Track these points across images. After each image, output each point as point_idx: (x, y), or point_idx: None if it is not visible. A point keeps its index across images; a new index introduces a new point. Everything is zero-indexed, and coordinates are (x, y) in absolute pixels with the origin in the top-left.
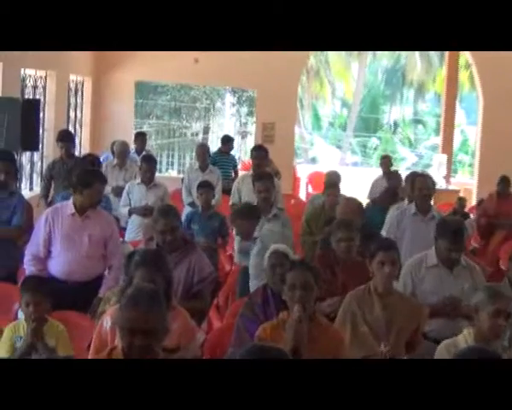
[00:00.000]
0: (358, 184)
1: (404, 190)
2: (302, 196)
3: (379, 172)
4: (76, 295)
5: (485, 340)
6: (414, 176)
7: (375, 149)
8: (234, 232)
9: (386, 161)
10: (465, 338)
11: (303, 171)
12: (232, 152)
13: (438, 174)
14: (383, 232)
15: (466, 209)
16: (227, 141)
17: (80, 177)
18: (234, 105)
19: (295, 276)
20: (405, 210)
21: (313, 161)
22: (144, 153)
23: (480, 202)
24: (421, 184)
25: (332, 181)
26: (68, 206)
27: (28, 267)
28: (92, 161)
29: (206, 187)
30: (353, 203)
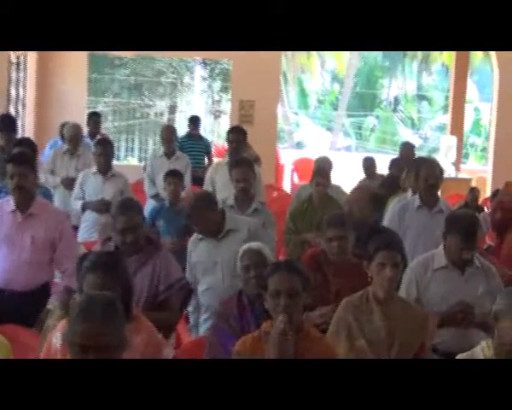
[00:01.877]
0: (352, 172)
1: (407, 179)
2: (286, 186)
3: (377, 158)
4: (17, 307)
5: (509, 353)
6: (418, 162)
7: (372, 130)
8: None
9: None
10: (483, 352)
11: (287, 157)
12: (204, 135)
13: (446, 160)
14: None
15: (479, 201)
16: (196, 122)
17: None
18: (205, 79)
19: (279, 281)
20: (408, 203)
21: (299, 145)
22: (99, 136)
23: (495, 193)
24: (426, 173)
25: (321, 169)
26: (9, 202)
27: None
28: (29, 144)
29: (173, 177)
30: (367, 193)
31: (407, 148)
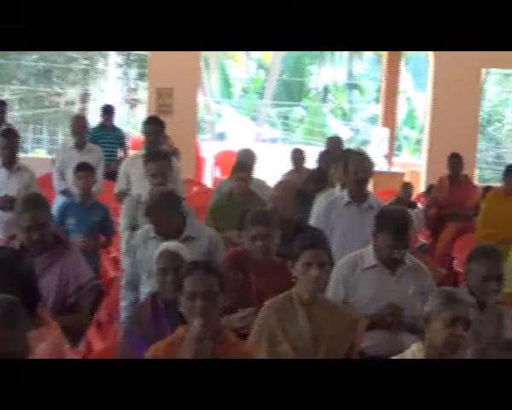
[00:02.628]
0: (278, 165)
1: (335, 173)
2: (207, 181)
3: (306, 150)
4: None
5: (440, 355)
6: (347, 155)
7: (300, 121)
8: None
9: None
10: (414, 355)
11: (209, 150)
12: (118, 125)
13: (377, 153)
14: None
15: (412, 197)
16: (110, 111)
17: None
18: (120, 66)
19: (195, 282)
20: (336, 199)
21: (222, 136)
22: (4, 127)
23: (429, 189)
24: (355, 166)
25: (242, 163)
26: None
27: None
28: None
29: (84, 170)
30: (293, 188)
31: (334, 141)
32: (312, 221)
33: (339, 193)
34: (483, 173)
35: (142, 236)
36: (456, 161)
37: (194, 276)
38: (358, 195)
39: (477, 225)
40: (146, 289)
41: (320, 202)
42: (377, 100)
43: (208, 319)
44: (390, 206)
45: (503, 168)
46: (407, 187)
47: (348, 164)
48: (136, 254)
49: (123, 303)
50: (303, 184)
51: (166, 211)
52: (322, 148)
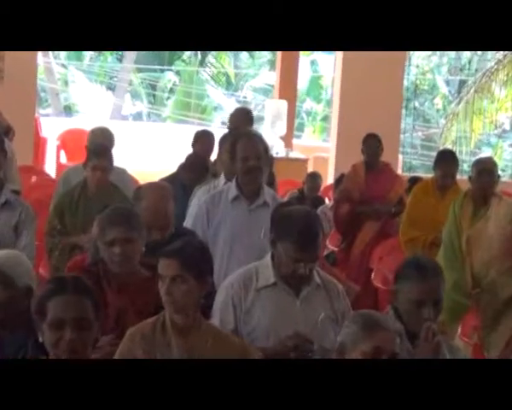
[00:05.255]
0: (145, 150)
1: (219, 160)
2: (50, 169)
3: (176, 129)
4: None
5: None
6: (234, 137)
7: (171, 91)
8: None
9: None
10: None
11: (52, 128)
12: None
13: (272, 133)
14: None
15: (319, 191)
16: None
17: None
18: None
19: (63, 306)
20: (220, 193)
21: (69, 111)
22: None
23: (340, 179)
24: (244, 151)
25: (98, 145)
26: None
27: None
28: None
29: None
30: (164, 189)
31: (240, 113)
32: (189, 221)
33: (224, 186)
34: (408, 160)
35: None
36: (373, 143)
37: (62, 298)
38: (249, 188)
39: (401, 226)
40: None
41: (200, 197)
42: (272, 64)
43: (79, 354)
44: (292, 205)
45: (433, 154)
46: (314, 178)
47: (236, 148)
48: None
49: None
50: (179, 175)
51: None
52: (199, 126)
